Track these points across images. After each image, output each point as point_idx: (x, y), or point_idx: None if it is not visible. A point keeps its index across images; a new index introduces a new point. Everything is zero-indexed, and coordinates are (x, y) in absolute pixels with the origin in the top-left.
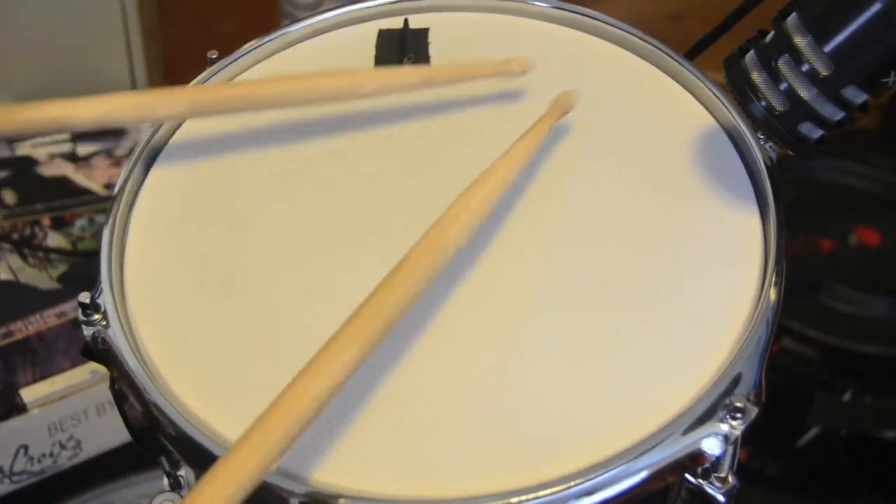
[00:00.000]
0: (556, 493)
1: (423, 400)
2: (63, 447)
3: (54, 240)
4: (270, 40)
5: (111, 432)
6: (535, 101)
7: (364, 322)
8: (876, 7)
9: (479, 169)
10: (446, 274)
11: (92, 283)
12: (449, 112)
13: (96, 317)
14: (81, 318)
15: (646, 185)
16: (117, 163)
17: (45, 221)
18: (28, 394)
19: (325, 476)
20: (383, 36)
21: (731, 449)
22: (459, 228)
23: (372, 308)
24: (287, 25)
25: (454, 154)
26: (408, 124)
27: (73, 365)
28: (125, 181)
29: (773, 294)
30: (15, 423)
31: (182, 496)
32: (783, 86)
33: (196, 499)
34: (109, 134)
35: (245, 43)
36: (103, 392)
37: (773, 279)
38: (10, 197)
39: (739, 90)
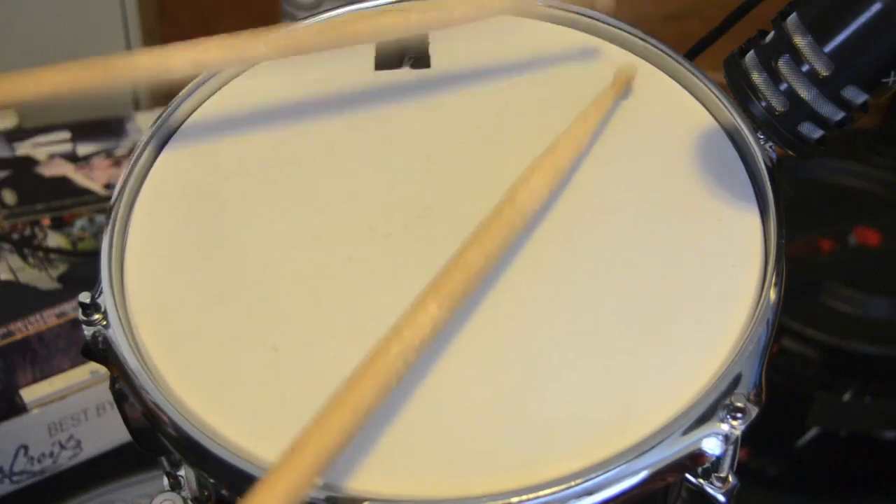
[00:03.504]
0: (556, 493)
1: (421, 400)
2: (63, 447)
3: (54, 240)
4: None
5: (111, 432)
6: (535, 101)
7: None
8: (876, 7)
9: (478, 170)
10: None
11: (92, 283)
12: (448, 115)
13: (96, 317)
14: (81, 318)
15: (645, 186)
16: (117, 163)
17: (45, 221)
18: (28, 394)
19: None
20: None
21: (731, 449)
22: (527, 202)
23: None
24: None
25: (453, 157)
26: (408, 125)
27: (73, 365)
28: (125, 181)
29: (773, 294)
30: (15, 423)
31: (182, 496)
32: (783, 86)
33: None
34: (109, 134)
35: None
36: (103, 392)
37: (773, 279)
38: (10, 197)
39: (739, 90)
